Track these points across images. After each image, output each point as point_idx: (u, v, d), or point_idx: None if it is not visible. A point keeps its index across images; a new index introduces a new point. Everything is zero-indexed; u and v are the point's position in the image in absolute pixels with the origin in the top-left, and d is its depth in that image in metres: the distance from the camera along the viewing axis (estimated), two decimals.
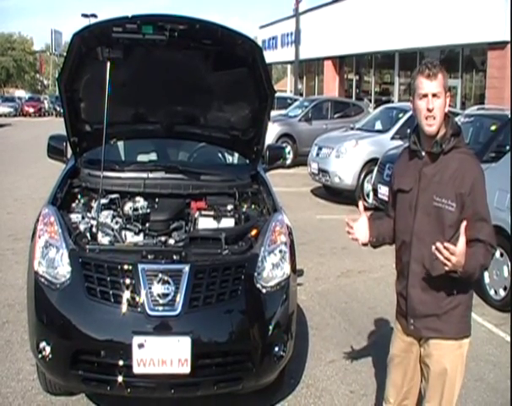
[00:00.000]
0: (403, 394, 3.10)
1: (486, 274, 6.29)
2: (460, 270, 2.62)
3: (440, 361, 2.87)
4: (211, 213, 4.51)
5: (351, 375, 4.67)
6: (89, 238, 3.99)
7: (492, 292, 6.24)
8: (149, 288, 3.49)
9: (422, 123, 2.78)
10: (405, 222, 2.90)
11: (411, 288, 2.89)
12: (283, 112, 18.60)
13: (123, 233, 4.27)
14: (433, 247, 2.60)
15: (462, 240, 2.59)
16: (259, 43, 30.08)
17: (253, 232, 4.12)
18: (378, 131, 12.38)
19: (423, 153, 2.84)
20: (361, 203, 3.22)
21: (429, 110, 2.73)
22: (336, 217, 10.45)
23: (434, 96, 2.72)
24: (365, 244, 3.12)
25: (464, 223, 2.62)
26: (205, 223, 4.43)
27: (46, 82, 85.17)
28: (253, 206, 4.70)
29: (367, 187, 11.23)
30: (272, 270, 3.85)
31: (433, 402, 2.94)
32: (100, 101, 4.20)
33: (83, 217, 4.29)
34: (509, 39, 14.96)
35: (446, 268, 2.62)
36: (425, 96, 2.73)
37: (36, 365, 4.04)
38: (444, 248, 2.56)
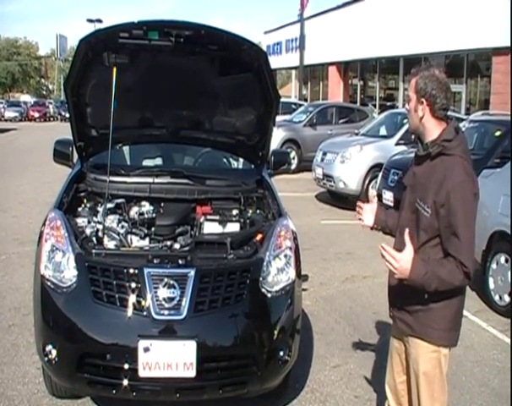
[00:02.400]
0: (398, 387, 3.14)
1: (491, 280, 6.29)
2: (406, 278, 2.68)
3: (416, 360, 2.92)
4: (216, 218, 4.54)
5: (355, 379, 4.67)
6: (95, 242, 4.02)
7: (496, 297, 6.23)
8: (155, 292, 3.51)
9: None
10: (400, 216, 3.04)
11: (391, 278, 3.00)
12: (288, 117, 18.61)
13: (129, 237, 4.28)
14: (380, 247, 2.70)
15: (407, 249, 2.66)
16: (264, 48, 30.12)
17: (258, 236, 4.13)
18: (383, 136, 12.40)
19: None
20: (371, 191, 3.45)
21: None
22: (341, 222, 10.46)
23: (407, 97, 2.92)
24: (371, 228, 3.30)
25: (407, 230, 2.71)
26: (211, 228, 4.45)
27: (51, 87, 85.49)
28: (258, 211, 4.71)
29: (372, 192, 11.23)
30: (277, 274, 3.86)
31: (414, 403, 3.00)
32: (107, 105, 4.23)
33: (89, 222, 4.31)
34: None
35: (394, 274, 2.71)
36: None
37: (42, 368, 4.06)
38: (386, 251, 2.66)
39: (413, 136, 3.03)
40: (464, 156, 2.79)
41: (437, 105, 2.77)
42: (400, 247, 2.80)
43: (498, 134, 8.96)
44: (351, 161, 11.58)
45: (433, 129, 2.82)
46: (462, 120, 10.52)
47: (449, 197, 2.68)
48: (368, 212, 3.27)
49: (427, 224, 2.78)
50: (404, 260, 2.65)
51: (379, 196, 10.11)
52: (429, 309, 2.84)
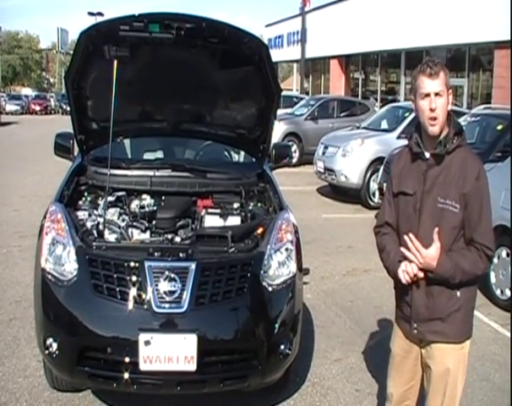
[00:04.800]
0: (404, 394, 3.09)
1: (492, 274, 6.28)
2: (431, 271, 2.70)
3: (443, 362, 2.86)
4: (217, 211, 4.53)
5: (356, 373, 4.67)
6: (95, 235, 4.01)
7: (498, 291, 6.22)
8: (156, 286, 3.50)
9: (426, 123, 2.75)
10: (409, 225, 2.85)
11: (415, 292, 2.86)
12: (289, 110, 18.59)
13: (130, 230, 4.28)
14: (405, 237, 2.70)
15: (434, 246, 2.66)
16: (265, 42, 30.07)
17: (260, 230, 4.12)
18: (384, 130, 12.36)
19: (427, 155, 2.81)
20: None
21: (432, 110, 2.70)
22: (342, 216, 10.46)
23: (437, 95, 2.69)
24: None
25: (436, 229, 2.67)
26: (211, 221, 4.44)
27: (52, 80, 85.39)
28: (259, 205, 4.71)
29: (373, 186, 11.23)
30: (278, 268, 3.86)
31: (435, 403, 2.94)
32: (107, 99, 4.21)
33: (90, 215, 4.31)
34: None
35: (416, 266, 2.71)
36: (427, 95, 2.71)
37: (43, 362, 4.07)
38: (413, 244, 2.67)
39: (415, 136, 2.87)
40: (468, 146, 2.84)
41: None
42: None
43: (499, 127, 8.94)
44: (353, 154, 11.57)
45: (444, 124, 2.78)
46: (464, 114, 10.49)
47: (476, 185, 2.71)
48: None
49: (457, 220, 2.74)
50: (429, 257, 2.67)
51: (380, 190, 10.10)
52: (462, 307, 2.82)
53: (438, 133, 2.74)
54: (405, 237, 2.70)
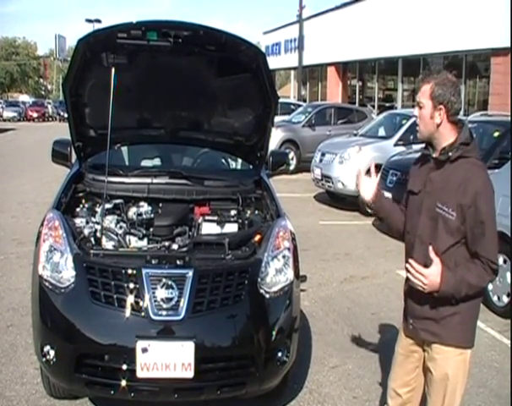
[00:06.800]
0: (404, 396, 3.10)
1: None
2: (437, 291, 2.73)
3: (442, 366, 2.88)
4: (215, 218, 4.53)
5: (354, 380, 4.67)
6: (93, 242, 4.02)
7: (495, 298, 6.23)
8: (153, 293, 3.51)
9: None
10: (412, 224, 2.96)
11: (412, 289, 2.91)
12: (286, 117, 18.62)
13: (127, 237, 4.28)
14: (407, 264, 2.78)
15: (434, 264, 2.70)
16: (263, 49, 30.12)
17: (257, 237, 4.13)
18: (382, 137, 12.40)
19: (431, 158, 2.90)
20: (373, 164, 3.27)
21: (416, 116, 2.86)
22: (339, 223, 10.46)
23: (418, 104, 2.83)
24: (367, 205, 3.25)
25: (431, 247, 2.72)
26: (209, 228, 4.45)
27: (49, 87, 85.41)
28: (256, 212, 4.71)
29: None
30: (275, 275, 3.86)
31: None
32: (105, 106, 4.22)
33: (87, 222, 4.31)
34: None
35: (420, 288, 2.75)
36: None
37: (40, 369, 4.06)
38: (413, 268, 2.72)
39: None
40: (479, 159, 2.86)
41: (453, 109, 2.79)
42: (422, 257, 2.81)
43: (496, 134, 8.96)
44: (350, 161, 11.57)
45: (448, 134, 2.81)
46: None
47: (476, 198, 2.72)
48: (366, 185, 3.17)
49: (454, 227, 2.77)
50: (433, 275, 2.70)
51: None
52: (458, 313, 2.83)
53: (421, 138, 2.90)
54: (407, 265, 2.79)
